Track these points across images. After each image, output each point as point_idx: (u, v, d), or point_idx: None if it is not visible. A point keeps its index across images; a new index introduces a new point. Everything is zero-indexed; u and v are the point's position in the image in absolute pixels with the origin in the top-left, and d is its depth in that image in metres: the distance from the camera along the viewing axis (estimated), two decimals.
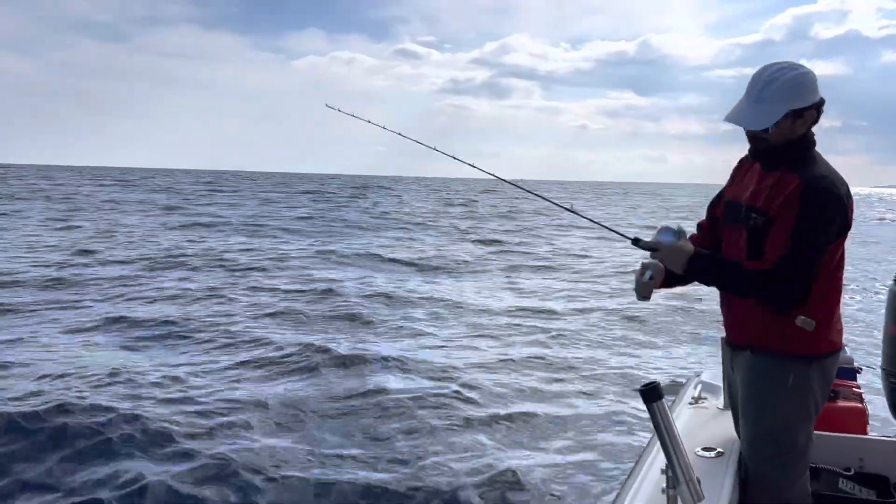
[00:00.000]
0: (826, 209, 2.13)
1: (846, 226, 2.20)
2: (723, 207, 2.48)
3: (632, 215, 38.07)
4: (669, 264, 2.27)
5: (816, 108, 2.21)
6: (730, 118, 2.25)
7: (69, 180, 65.46)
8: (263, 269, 14.30)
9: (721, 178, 2.58)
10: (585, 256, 18.71)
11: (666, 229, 2.30)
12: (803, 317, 2.17)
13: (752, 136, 2.28)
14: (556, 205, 2.79)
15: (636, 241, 2.34)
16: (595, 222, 2.85)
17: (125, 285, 11.93)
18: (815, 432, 2.31)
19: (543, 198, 3.03)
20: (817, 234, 2.12)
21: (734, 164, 2.52)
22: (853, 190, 2.28)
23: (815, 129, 2.27)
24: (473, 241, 21.61)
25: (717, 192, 2.58)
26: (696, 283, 2.36)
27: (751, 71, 2.31)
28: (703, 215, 2.63)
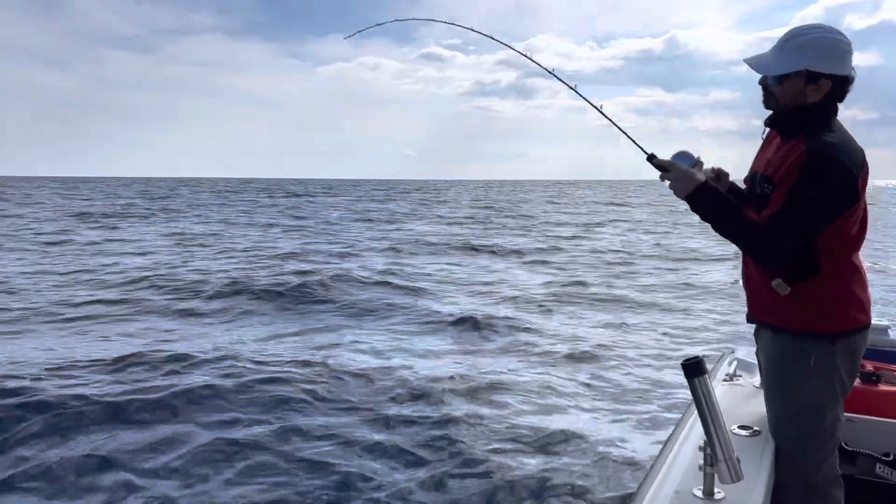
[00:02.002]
0: (827, 177, 2.02)
1: (855, 196, 2.08)
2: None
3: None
4: (675, 188, 2.19)
5: (837, 81, 2.10)
6: (748, 59, 2.21)
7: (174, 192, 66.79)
8: None
9: None
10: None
11: (683, 154, 2.22)
12: (779, 280, 2.14)
13: (764, 89, 2.24)
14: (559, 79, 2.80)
15: (651, 158, 2.26)
16: (615, 124, 2.55)
17: None
18: (854, 416, 2.28)
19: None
20: (813, 202, 2.03)
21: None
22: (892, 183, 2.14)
23: (852, 122, 2.24)
24: None
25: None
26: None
27: None
28: None
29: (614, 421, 5.42)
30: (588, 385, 6.37)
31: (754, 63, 2.20)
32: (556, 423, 5.36)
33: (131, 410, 5.43)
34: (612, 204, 50.99)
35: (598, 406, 5.82)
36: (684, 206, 2.20)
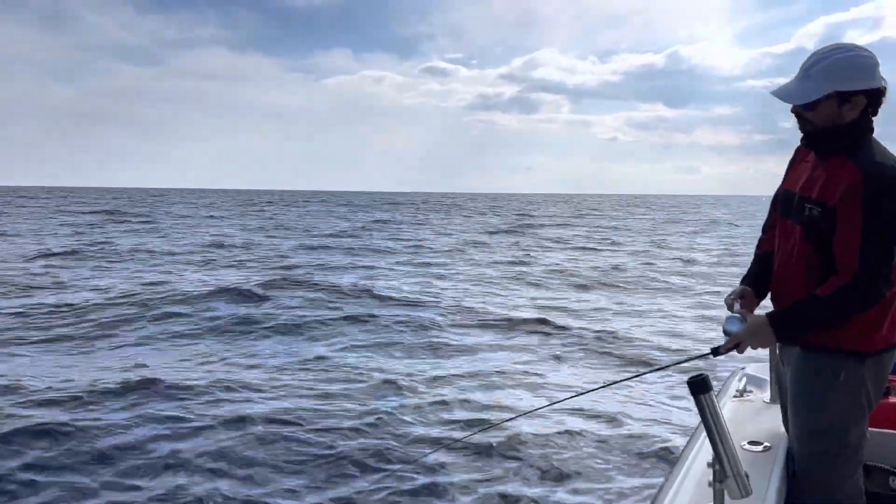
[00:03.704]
0: (893, 199, 1.97)
1: None
2: (777, 201, 2.37)
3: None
4: (759, 345, 2.17)
5: (870, 95, 2.05)
6: (774, 91, 2.16)
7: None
8: None
9: (756, 188, 2.45)
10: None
11: (731, 319, 2.23)
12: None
13: (797, 116, 2.18)
14: None
15: (716, 352, 2.19)
16: (666, 367, 3.05)
17: None
18: (869, 429, 2.23)
19: None
20: (890, 228, 1.98)
21: (768, 172, 2.46)
22: None
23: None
24: None
25: (752, 200, 2.45)
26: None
27: (783, 80, 2.27)
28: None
29: (627, 437, 5.44)
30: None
31: (783, 94, 2.14)
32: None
33: None
34: None
35: (608, 417, 5.87)
36: None
